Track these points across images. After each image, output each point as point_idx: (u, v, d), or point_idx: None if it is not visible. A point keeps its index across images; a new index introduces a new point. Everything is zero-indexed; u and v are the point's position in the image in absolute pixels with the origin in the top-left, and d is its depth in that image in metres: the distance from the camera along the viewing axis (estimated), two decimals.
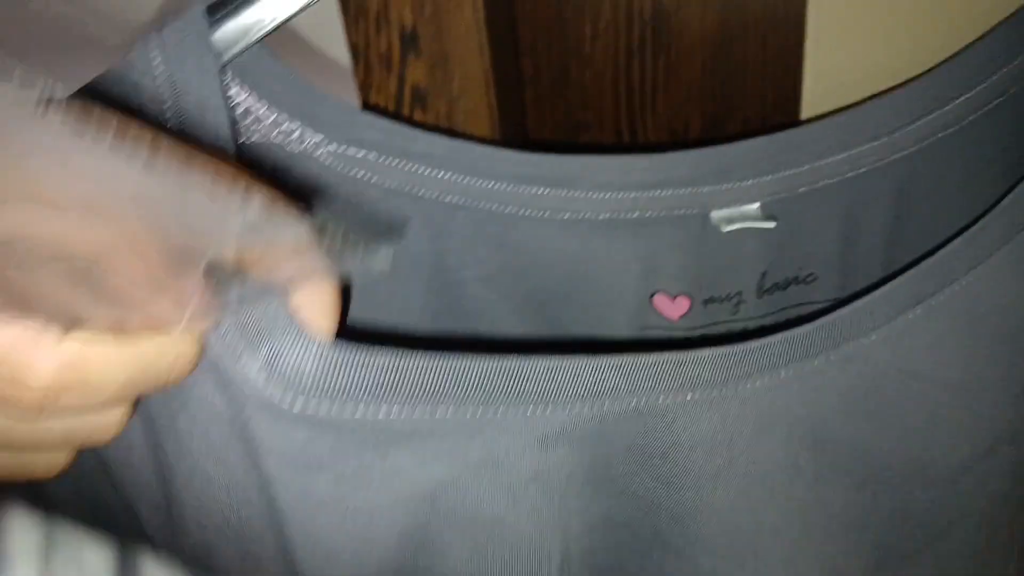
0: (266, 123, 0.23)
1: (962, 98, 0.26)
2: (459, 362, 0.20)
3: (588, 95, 0.39)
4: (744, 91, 0.37)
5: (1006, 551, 0.29)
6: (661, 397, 0.23)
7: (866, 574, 0.27)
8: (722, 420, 0.23)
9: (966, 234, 0.23)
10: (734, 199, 0.26)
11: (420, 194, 0.25)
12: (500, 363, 0.20)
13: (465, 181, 0.25)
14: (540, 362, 0.21)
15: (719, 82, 0.37)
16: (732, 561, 0.27)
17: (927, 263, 0.24)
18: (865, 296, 0.23)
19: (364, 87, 0.30)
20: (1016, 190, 0.24)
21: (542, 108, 0.40)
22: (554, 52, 0.38)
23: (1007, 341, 0.25)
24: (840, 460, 0.25)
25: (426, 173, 0.25)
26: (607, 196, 0.26)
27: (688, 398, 0.23)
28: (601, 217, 0.26)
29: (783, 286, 0.28)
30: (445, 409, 0.20)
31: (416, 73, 0.30)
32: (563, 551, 0.25)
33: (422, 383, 0.20)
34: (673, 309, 0.28)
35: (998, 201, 0.24)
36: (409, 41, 0.30)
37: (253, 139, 0.24)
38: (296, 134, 0.24)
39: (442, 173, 0.25)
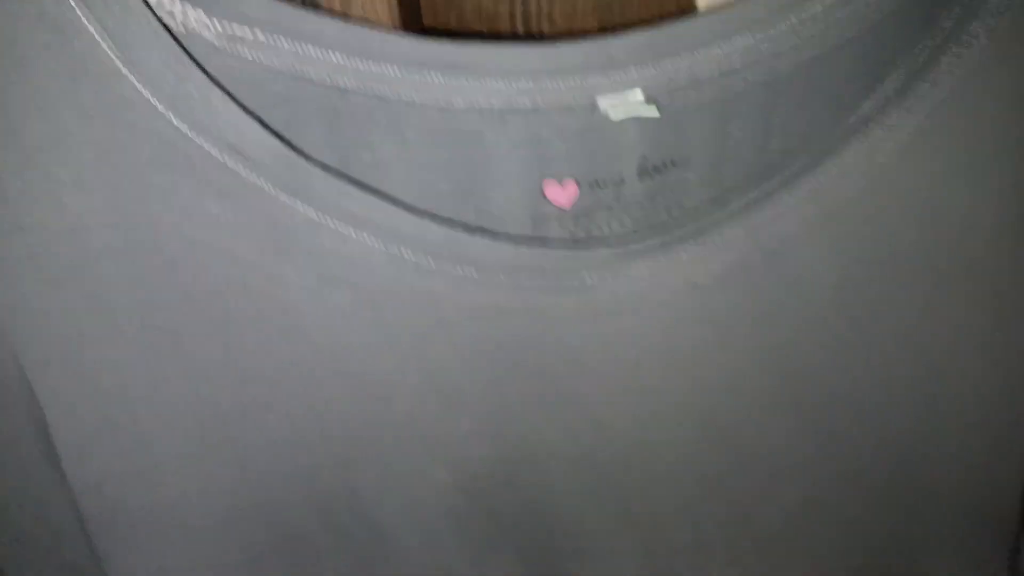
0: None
1: None
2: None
3: (482, 4, 0.39)
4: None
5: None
6: (554, 281, 0.28)
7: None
8: (610, 301, 0.28)
9: (811, 141, 0.28)
10: (618, 87, 0.27)
11: (310, 77, 0.25)
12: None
13: (357, 64, 0.25)
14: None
15: None
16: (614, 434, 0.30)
17: (780, 164, 0.28)
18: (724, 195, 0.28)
19: None
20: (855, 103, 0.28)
21: (436, 18, 0.40)
22: None
23: (866, 248, 0.29)
24: (717, 345, 0.30)
25: (316, 55, 0.25)
26: (500, 85, 0.27)
27: (586, 283, 0.28)
28: (495, 107, 0.27)
29: (660, 169, 0.30)
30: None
31: None
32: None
33: None
34: (562, 195, 0.30)
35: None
36: None
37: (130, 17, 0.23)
38: (176, 8, 0.24)
39: (333, 56, 0.25)
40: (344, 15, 0.29)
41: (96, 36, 0.23)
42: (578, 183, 0.30)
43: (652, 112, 0.28)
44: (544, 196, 0.30)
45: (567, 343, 0.29)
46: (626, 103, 0.28)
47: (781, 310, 0.30)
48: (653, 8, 0.37)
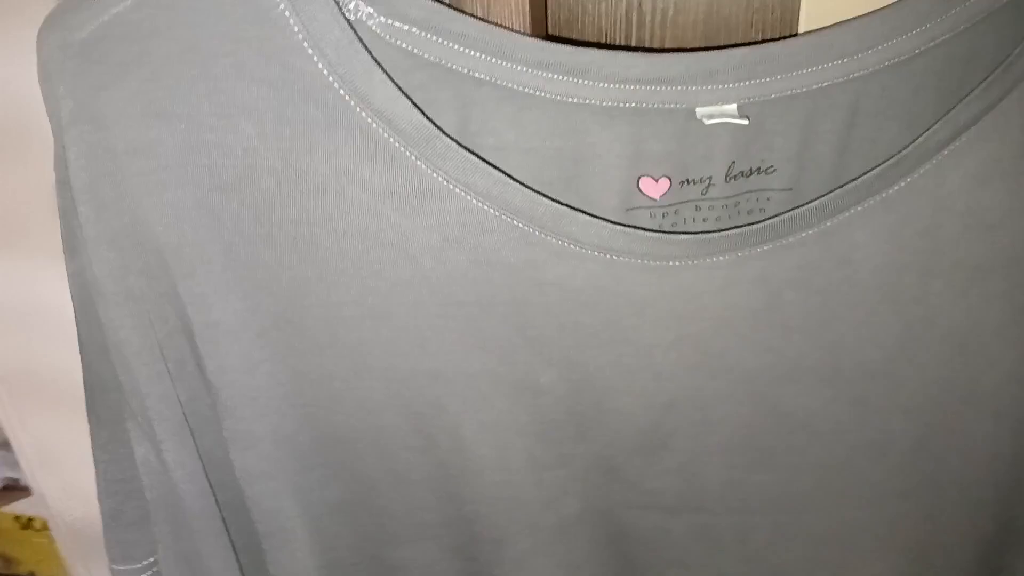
0: None
1: (916, 31, 0.31)
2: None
3: (600, 24, 0.44)
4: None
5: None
6: (643, 261, 0.32)
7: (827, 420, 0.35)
8: (691, 281, 0.32)
9: (887, 163, 0.31)
10: (716, 99, 0.31)
11: (452, 67, 0.30)
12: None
13: (492, 60, 0.30)
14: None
15: (722, 21, 0.42)
16: (675, 412, 0.34)
17: (857, 181, 0.31)
18: (804, 205, 0.32)
19: None
20: (930, 131, 0.31)
21: (559, 31, 0.44)
22: None
23: (922, 252, 0.33)
24: (778, 328, 0.34)
25: (459, 50, 0.30)
26: (610, 86, 0.31)
27: (669, 264, 0.32)
28: (603, 104, 0.31)
29: (747, 174, 0.33)
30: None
31: None
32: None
33: None
34: (655, 189, 0.34)
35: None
36: None
37: (319, 8, 0.28)
38: (352, 4, 0.29)
39: (473, 51, 0.30)
40: (484, 20, 0.34)
41: (288, 19, 0.28)
42: (670, 180, 0.34)
43: (742, 121, 0.31)
44: (639, 188, 0.34)
45: (647, 314, 0.33)
46: (721, 113, 0.31)
47: (839, 308, 0.33)
48: (755, 31, 0.40)
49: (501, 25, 0.32)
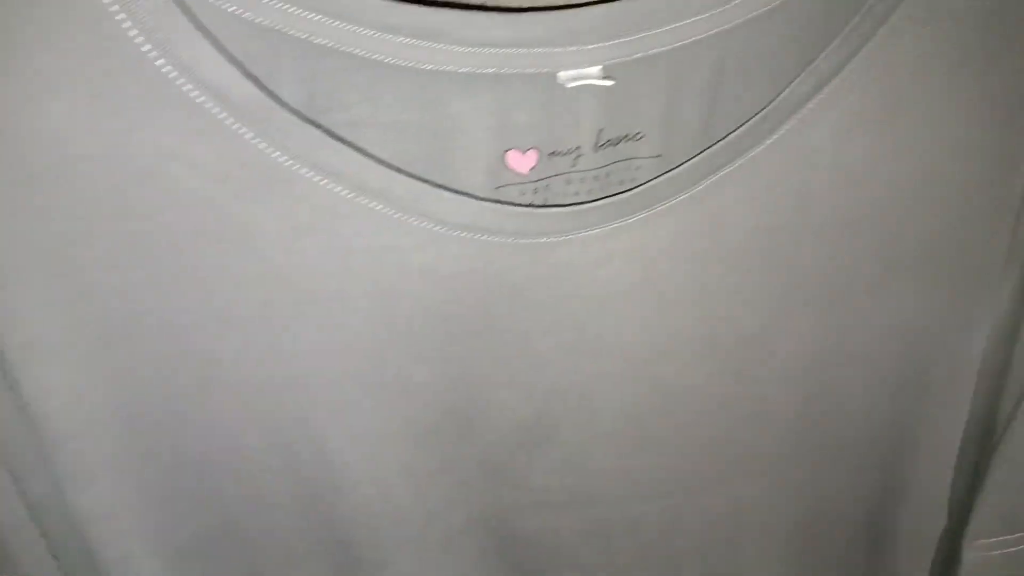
0: None
1: None
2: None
3: None
4: None
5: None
6: (514, 240, 0.30)
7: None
8: (565, 259, 0.31)
9: (753, 120, 0.31)
10: (579, 61, 0.30)
11: (291, 33, 0.27)
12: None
13: (335, 24, 0.27)
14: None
15: None
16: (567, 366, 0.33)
17: (724, 141, 0.31)
18: (674, 169, 0.31)
19: None
20: (793, 84, 0.30)
21: None
22: None
23: (792, 210, 0.32)
24: (655, 301, 0.33)
25: (297, 13, 0.27)
26: (468, 51, 0.29)
27: (542, 241, 0.30)
28: (462, 71, 0.29)
29: (615, 142, 0.32)
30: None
31: None
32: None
33: None
34: (523, 163, 0.32)
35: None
36: None
37: None
38: None
39: (312, 15, 0.27)
40: None
41: None
42: (538, 152, 0.32)
43: (607, 82, 0.30)
44: (506, 164, 0.32)
45: (522, 298, 0.31)
46: (583, 75, 0.30)
47: (714, 275, 0.33)
48: None
49: None
